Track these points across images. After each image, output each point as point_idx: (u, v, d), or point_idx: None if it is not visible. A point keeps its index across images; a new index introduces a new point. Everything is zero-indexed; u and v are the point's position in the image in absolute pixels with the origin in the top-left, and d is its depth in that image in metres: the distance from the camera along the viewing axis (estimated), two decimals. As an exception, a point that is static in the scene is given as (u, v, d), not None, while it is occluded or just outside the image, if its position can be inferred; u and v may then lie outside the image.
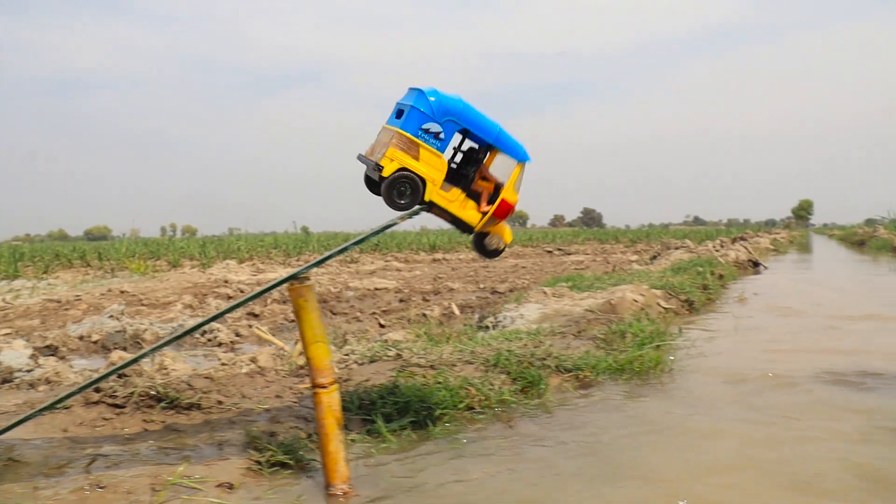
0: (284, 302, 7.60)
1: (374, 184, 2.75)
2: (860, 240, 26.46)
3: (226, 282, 11.07)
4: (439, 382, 3.32)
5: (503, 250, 2.97)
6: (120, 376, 3.32)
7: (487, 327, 5.58)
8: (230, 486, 2.39)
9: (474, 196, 2.83)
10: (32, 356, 4.75)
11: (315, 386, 2.38)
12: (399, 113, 2.70)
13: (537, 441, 2.99)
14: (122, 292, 9.67)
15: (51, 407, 2.58)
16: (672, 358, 4.49)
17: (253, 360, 4.28)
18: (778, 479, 2.53)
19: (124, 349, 5.69)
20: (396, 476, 2.59)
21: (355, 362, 4.00)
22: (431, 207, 2.73)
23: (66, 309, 8.09)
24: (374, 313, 7.33)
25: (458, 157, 2.95)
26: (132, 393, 2.98)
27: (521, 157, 2.85)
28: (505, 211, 2.82)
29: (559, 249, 21.66)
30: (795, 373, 4.14)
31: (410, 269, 14.31)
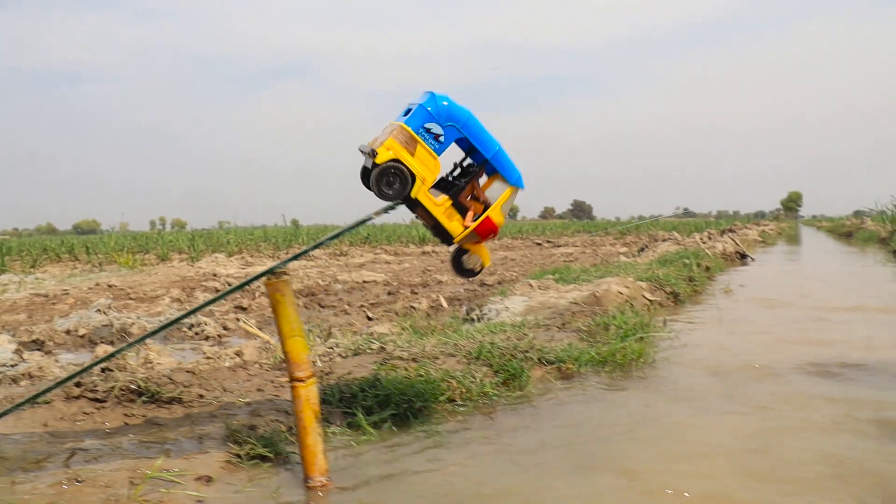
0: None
1: (368, 175, 2.74)
2: (848, 231, 26.66)
3: (214, 275, 11.06)
4: (420, 375, 3.34)
5: (479, 272, 2.96)
6: (102, 370, 3.33)
7: (473, 320, 5.61)
8: (209, 479, 2.40)
9: (461, 210, 2.82)
10: (17, 351, 4.75)
11: (293, 380, 2.40)
12: (408, 112, 2.73)
13: (518, 433, 3.02)
14: (109, 286, 9.66)
15: (30, 401, 2.59)
16: (655, 350, 4.53)
17: (238, 354, 4.29)
18: (748, 468, 2.57)
19: (111, 343, 5.69)
20: (375, 468, 2.61)
21: (339, 355, 4.02)
22: (416, 207, 2.73)
23: (54, 303, 8.07)
24: (362, 306, 7.35)
25: (457, 172, 2.94)
26: (113, 387, 2.98)
27: (514, 181, 2.86)
28: (488, 230, 2.81)
29: (549, 242, 21.71)
30: (778, 364, 4.18)
31: (400, 261, 14.32)
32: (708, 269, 9.22)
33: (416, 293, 8.34)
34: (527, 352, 3.93)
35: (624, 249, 15.35)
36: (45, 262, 15.17)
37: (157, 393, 3.00)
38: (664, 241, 13.21)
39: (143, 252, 17.72)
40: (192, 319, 6.18)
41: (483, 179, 2.90)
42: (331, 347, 4.19)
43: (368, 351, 3.98)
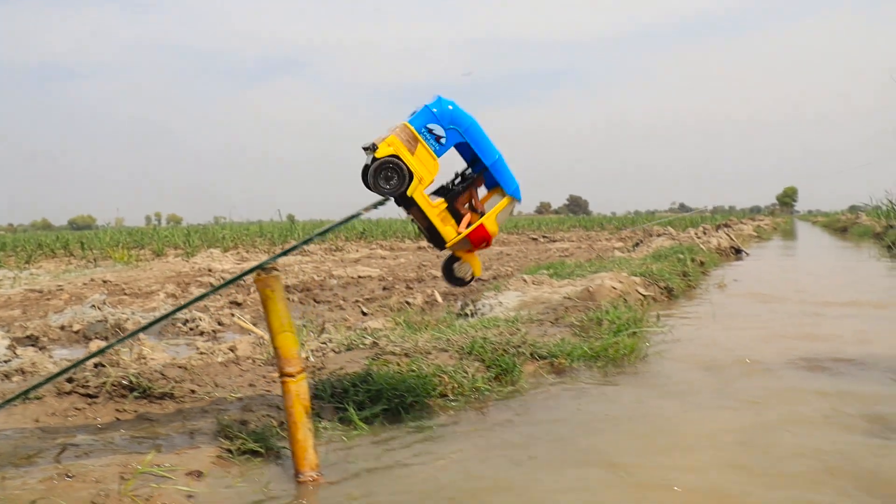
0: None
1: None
2: (843, 226, 26.73)
3: (209, 270, 11.06)
4: (412, 370, 3.35)
5: (469, 282, 2.95)
6: (95, 366, 3.33)
7: (467, 315, 5.62)
8: (200, 474, 2.41)
9: (456, 215, 2.83)
10: (10, 347, 4.74)
11: (283, 375, 2.40)
12: (414, 113, 2.77)
13: (509, 427, 3.03)
14: (104, 282, 9.65)
15: (21, 396, 2.59)
16: (648, 344, 4.54)
17: (232, 350, 4.30)
18: (738, 463, 2.58)
19: (105, 339, 5.68)
20: (366, 462, 2.62)
21: (332, 350, 4.03)
22: (411, 206, 2.73)
23: (48, 299, 8.06)
24: (357, 301, 7.35)
25: (457, 181, 2.95)
26: (104, 383, 2.99)
27: (511, 191, 2.87)
28: (481, 237, 2.81)
29: (544, 237, 21.73)
30: (771, 359, 4.20)
31: (395, 256, 14.32)
32: (702, 264, 9.24)
33: (411, 288, 8.34)
34: (519, 347, 3.94)
35: (620, 244, 15.37)
36: (40, 258, 15.15)
37: (148, 388, 3.00)
38: (659, 235, 13.23)
39: (139, 247, 17.70)
40: (186, 315, 6.18)
41: (483, 192, 2.91)
42: (324, 343, 4.20)
43: (361, 346, 3.98)
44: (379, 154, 2.61)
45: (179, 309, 2.35)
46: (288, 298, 7.69)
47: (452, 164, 2.91)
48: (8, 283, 9.80)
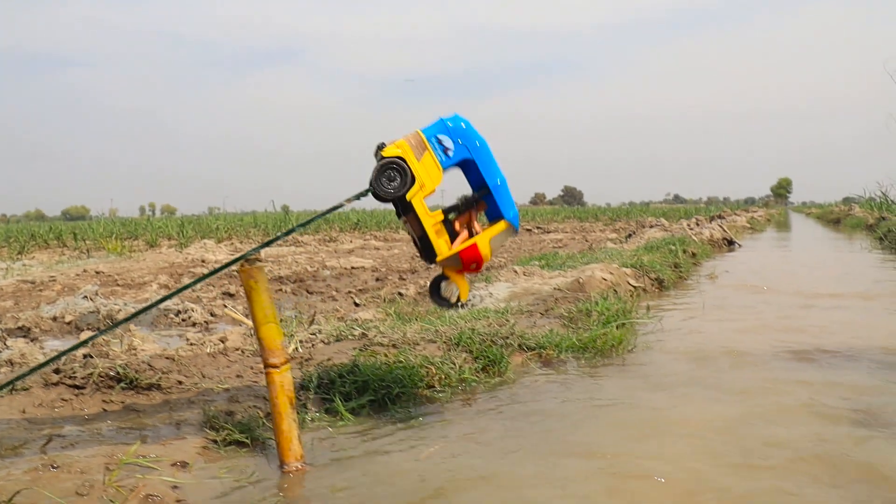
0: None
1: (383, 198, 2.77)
2: (836, 218, 26.82)
3: (203, 261, 11.05)
4: (400, 361, 3.37)
5: (454, 305, 2.92)
6: (84, 356, 3.34)
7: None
8: (185, 465, 2.42)
9: (451, 232, 2.84)
10: (0, 338, 4.75)
11: (267, 366, 2.42)
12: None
13: (494, 419, 3.05)
14: (97, 273, 9.63)
15: (6, 387, 2.59)
16: (636, 336, 4.57)
17: (222, 340, 4.30)
18: (723, 454, 2.60)
19: (97, 330, 5.69)
20: (351, 453, 2.63)
21: (321, 341, 4.04)
22: (408, 212, 2.75)
23: (41, 290, 8.05)
24: (349, 292, 7.36)
25: (460, 202, 2.95)
26: (92, 373, 2.99)
27: (510, 217, 2.90)
28: (472, 257, 2.80)
29: (538, 228, 21.73)
30: (759, 350, 4.23)
31: (389, 247, 14.31)
32: (694, 255, 9.27)
33: (404, 279, 8.35)
34: (507, 338, 3.96)
35: (613, 235, 15.40)
36: (33, 249, 15.10)
37: (135, 379, 3.01)
38: (651, 227, 13.26)
39: (132, 238, 17.66)
40: (179, 306, 6.18)
41: (484, 223, 2.92)
42: (313, 334, 4.21)
43: (350, 337, 4.00)
44: (385, 153, 2.66)
45: (161, 301, 2.36)
46: (281, 289, 7.73)
47: (457, 188, 2.94)
48: (0, 274, 9.78)
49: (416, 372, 3.33)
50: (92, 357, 3.34)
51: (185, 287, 2.35)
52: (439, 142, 2.74)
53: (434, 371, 3.40)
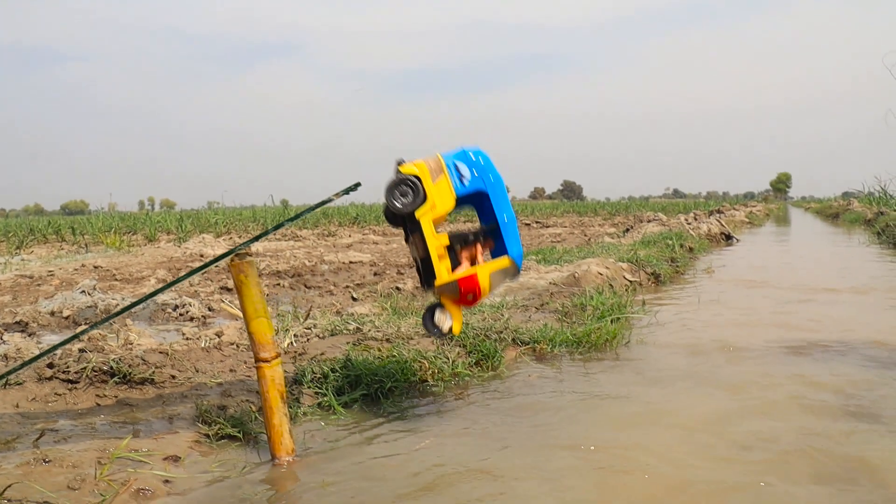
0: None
1: (394, 216, 2.78)
2: (835, 213, 26.81)
3: (201, 256, 11.05)
4: (393, 356, 3.38)
5: (445, 335, 2.87)
6: (79, 351, 3.35)
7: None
8: (177, 459, 2.43)
9: (454, 258, 2.85)
10: (-3, 332, 4.76)
11: (258, 360, 2.42)
12: None
13: (487, 413, 3.06)
14: (95, 267, 9.64)
15: (0, 379, 2.60)
16: (631, 330, 4.57)
17: (218, 335, 4.31)
18: (714, 448, 2.61)
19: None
20: (343, 447, 2.65)
21: (316, 336, 4.04)
22: (414, 231, 2.75)
23: (39, 284, 8.06)
24: (347, 287, 7.36)
25: (469, 235, 2.96)
26: (85, 368, 3.00)
27: (514, 255, 2.91)
28: (470, 288, 2.78)
29: (537, 222, 21.74)
30: (754, 344, 4.23)
31: (388, 242, 14.32)
32: (691, 250, 9.28)
33: (402, 274, 8.36)
34: (501, 332, 3.97)
35: (612, 230, 15.40)
36: (32, 243, 15.11)
37: (129, 374, 3.02)
38: (649, 221, 13.26)
39: (131, 233, 17.67)
40: (176, 301, 6.19)
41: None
42: (308, 328, 4.22)
43: (345, 331, 4.01)
44: (402, 170, 2.71)
45: (153, 295, 2.36)
46: (279, 284, 7.73)
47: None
48: (-2, 269, 9.78)
49: (409, 366, 3.34)
50: (87, 352, 3.35)
51: (176, 281, 2.36)
52: (457, 168, 2.78)
53: (427, 365, 3.41)
